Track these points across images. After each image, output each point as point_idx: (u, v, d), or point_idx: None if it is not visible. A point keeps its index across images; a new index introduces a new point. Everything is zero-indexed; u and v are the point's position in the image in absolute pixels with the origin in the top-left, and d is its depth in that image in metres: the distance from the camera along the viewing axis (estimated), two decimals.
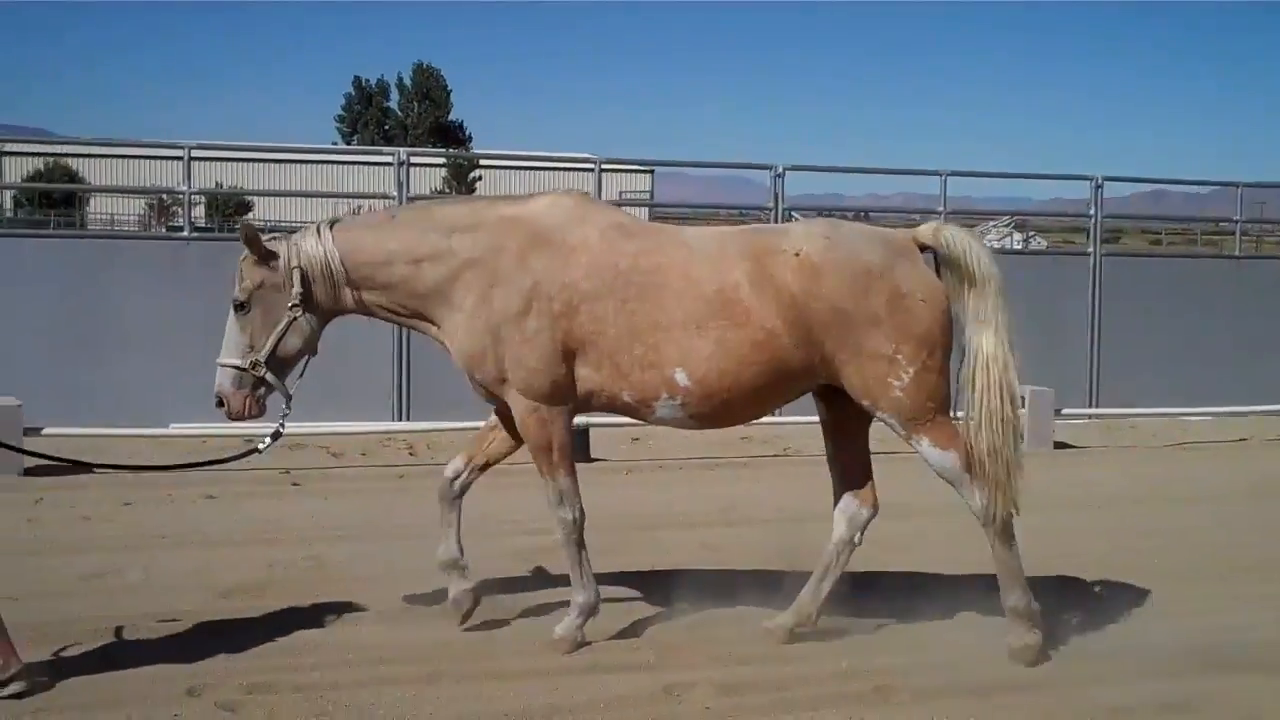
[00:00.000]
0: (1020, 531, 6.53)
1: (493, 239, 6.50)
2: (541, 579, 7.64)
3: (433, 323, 6.66)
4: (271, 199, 52.17)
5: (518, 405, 6.53)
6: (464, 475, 6.96)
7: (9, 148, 59.45)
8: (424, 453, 12.76)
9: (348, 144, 74.43)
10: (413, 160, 13.34)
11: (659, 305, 6.39)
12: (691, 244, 6.60)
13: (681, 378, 6.39)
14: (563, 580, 6.91)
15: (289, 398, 6.61)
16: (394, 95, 79.99)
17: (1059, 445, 14.32)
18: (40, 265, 13.14)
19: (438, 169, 57.13)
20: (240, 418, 6.54)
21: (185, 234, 13.71)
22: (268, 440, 6.73)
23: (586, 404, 6.64)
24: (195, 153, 13.25)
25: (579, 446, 12.32)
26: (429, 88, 79.21)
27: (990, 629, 6.74)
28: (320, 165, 51.11)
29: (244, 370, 6.46)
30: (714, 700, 5.93)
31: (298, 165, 51.90)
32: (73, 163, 55.86)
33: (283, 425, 6.71)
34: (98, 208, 53.35)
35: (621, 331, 6.40)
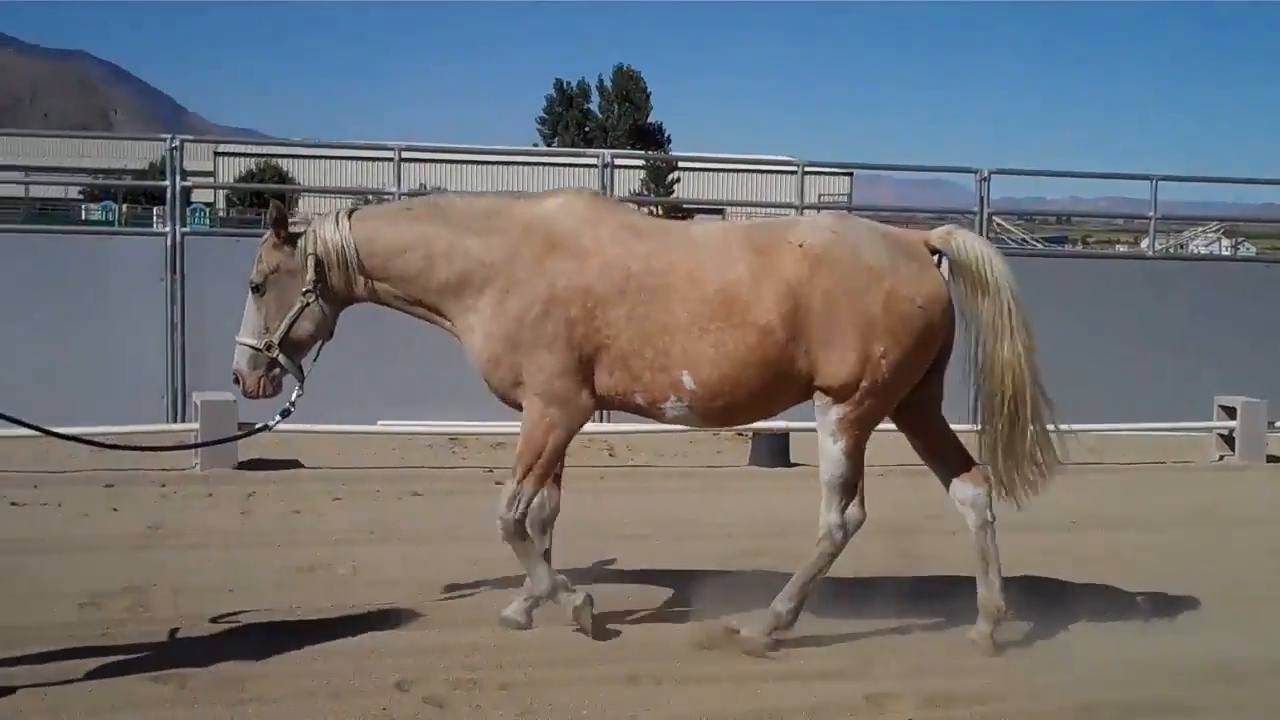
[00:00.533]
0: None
1: (507, 242, 6.54)
2: (740, 583, 7.60)
3: (445, 318, 6.75)
4: None
5: (532, 409, 6.56)
6: (549, 495, 6.94)
7: (224, 148, 61.78)
8: (623, 454, 12.84)
9: (548, 145, 75.42)
10: (616, 162, 13.36)
11: (666, 308, 6.43)
12: (700, 242, 6.63)
13: (687, 380, 6.45)
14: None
15: (302, 379, 6.76)
16: (594, 97, 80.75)
17: (1272, 459, 13.80)
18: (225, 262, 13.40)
19: (636, 170, 57.51)
20: (254, 395, 6.70)
21: None
22: (277, 418, 6.83)
23: (601, 406, 6.73)
24: (405, 154, 13.47)
25: (775, 452, 12.30)
26: (629, 90, 79.74)
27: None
28: (523, 167, 51.88)
29: (259, 350, 6.62)
30: (917, 712, 5.84)
31: (500, 167, 52.79)
32: (283, 163, 57.62)
33: (293, 405, 6.80)
34: (308, 207, 54.92)
35: (633, 335, 6.45)
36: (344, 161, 57.11)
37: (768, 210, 52.35)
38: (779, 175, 58.91)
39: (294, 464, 11.24)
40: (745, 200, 58.65)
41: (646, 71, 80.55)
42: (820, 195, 42.85)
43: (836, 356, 6.36)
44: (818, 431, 6.60)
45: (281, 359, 6.63)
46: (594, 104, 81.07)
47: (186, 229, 13.29)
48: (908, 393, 6.59)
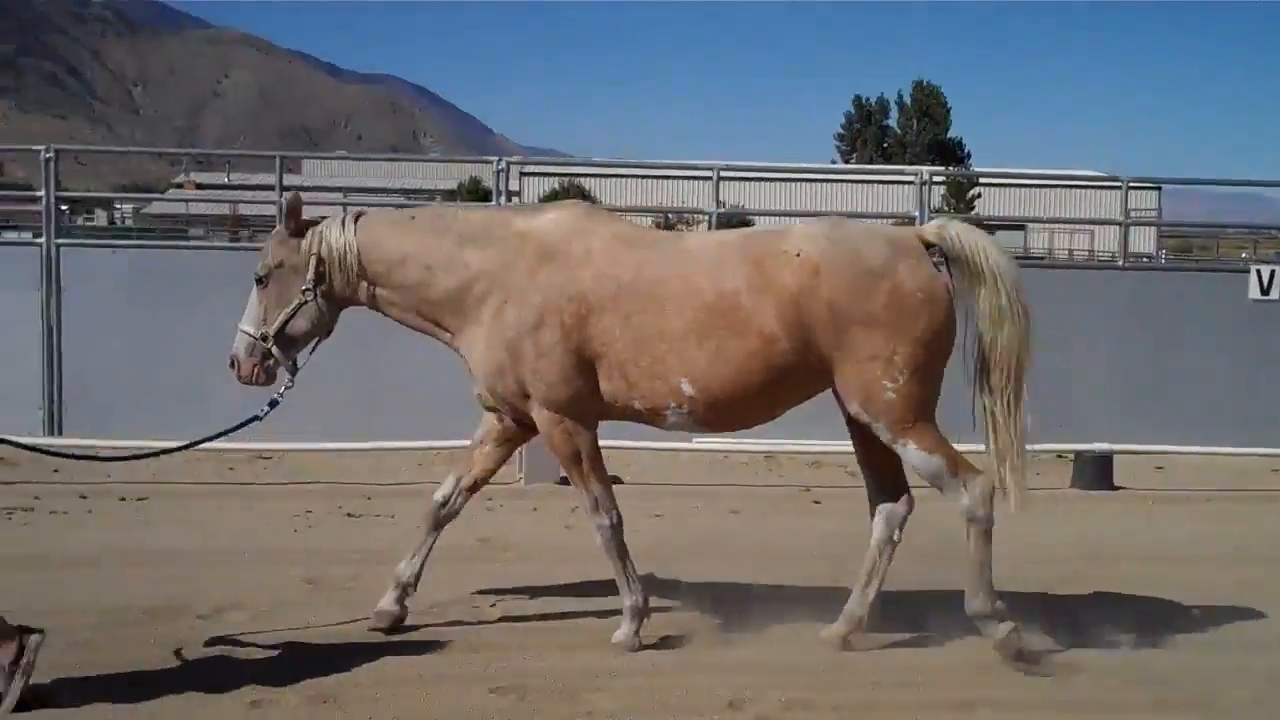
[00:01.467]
0: None
1: (503, 254, 6.64)
2: (1062, 608, 7.33)
3: (445, 330, 6.83)
4: (777, 219, 53.29)
5: (541, 419, 6.66)
6: (453, 500, 7.13)
7: (529, 168, 63.42)
8: None
9: (845, 162, 75.12)
10: (934, 180, 13.16)
11: (662, 315, 6.47)
12: (693, 252, 6.67)
13: (686, 387, 6.48)
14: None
15: (294, 372, 6.85)
16: (893, 113, 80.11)
17: None
18: None
19: (937, 186, 56.72)
20: (248, 382, 6.84)
21: None
22: (266, 409, 6.87)
23: (606, 413, 6.74)
24: (722, 174, 13.55)
25: (1098, 475, 11.90)
26: (928, 105, 78.87)
27: None
28: (839, 185, 51.73)
29: (255, 339, 6.78)
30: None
31: (817, 185, 52.76)
32: (586, 182, 58.91)
33: (281, 396, 6.87)
34: None
35: (628, 343, 6.49)
36: (646, 180, 58.00)
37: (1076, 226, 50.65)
38: (1088, 190, 57.25)
39: (615, 480, 11.41)
40: (1054, 217, 57.23)
41: (947, 86, 79.54)
42: (1129, 210, 41.39)
43: (852, 364, 6.40)
44: (889, 446, 6.55)
45: (275, 351, 6.78)
46: (892, 120, 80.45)
47: None
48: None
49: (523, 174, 59.45)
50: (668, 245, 6.83)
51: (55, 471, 11.01)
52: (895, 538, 6.82)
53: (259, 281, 6.80)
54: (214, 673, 6.17)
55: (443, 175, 70.60)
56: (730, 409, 6.56)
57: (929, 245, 6.61)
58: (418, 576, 7.07)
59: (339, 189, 49.10)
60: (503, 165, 13.63)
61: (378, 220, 6.93)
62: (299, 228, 6.80)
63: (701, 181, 19.44)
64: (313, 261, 6.74)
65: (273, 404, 6.88)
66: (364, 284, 6.79)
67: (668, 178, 55.93)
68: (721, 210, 14.01)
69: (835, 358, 6.41)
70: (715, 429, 6.92)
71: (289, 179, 18.64)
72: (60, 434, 12.20)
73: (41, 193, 12.80)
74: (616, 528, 6.79)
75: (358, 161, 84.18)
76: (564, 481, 11.23)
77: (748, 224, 13.90)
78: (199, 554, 8.48)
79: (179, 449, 7.18)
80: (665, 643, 6.77)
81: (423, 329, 6.94)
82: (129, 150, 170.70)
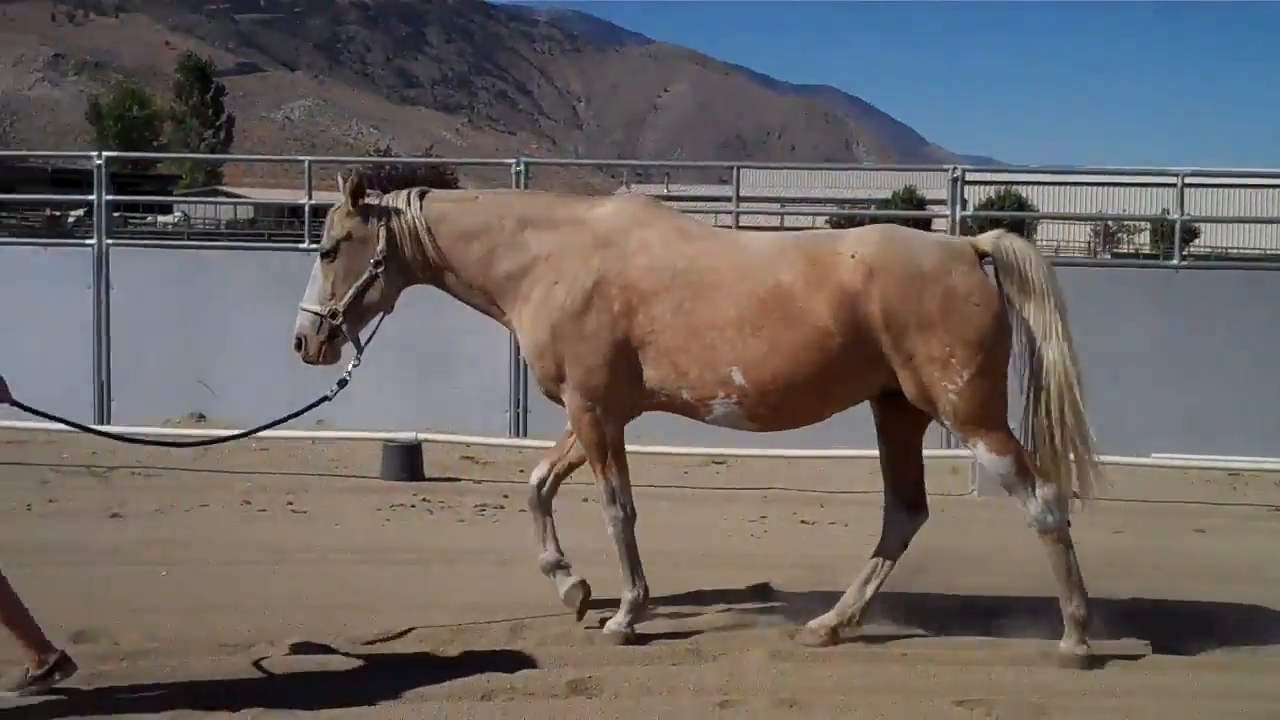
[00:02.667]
0: None
1: (561, 238, 6.73)
2: None
3: (502, 310, 6.88)
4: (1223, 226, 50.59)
5: (573, 403, 6.71)
6: (549, 482, 7.16)
7: (970, 176, 62.42)
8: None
9: None
10: None
11: (715, 305, 6.50)
12: (749, 247, 6.73)
13: (737, 377, 6.49)
14: None
15: (361, 349, 6.84)
16: None
17: None
18: None
19: None
20: (314, 361, 6.82)
21: (1174, 262, 13.50)
22: (335, 388, 6.87)
23: (645, 403, 6.77)
24: (1188, 180, 13.02)
25: None
26: None
27: None
28: None
29: (323, 317, 6.74)
30: None
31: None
32: (1026, 190, 57.47)
33: (349, 374, 6.86)
34: (1046, 234, 54.47)
35: (679, 331, 6.53)
36: (1094, 189, 56.19)
37: None
38: None
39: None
40: None
41: None
42: None
43: (911, 368, 6.44)
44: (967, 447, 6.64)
45: (344, 327, 6.77)
46: None
47: None
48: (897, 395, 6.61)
49: (965, 182, 58.58)
50: (724, 239, 6.98)
51: (521, 471, 11.67)
52: (901, 550, 6.95)
53: (325, 256, 6.82)
54: (672, 675, 6.36)
55: (877, 185, 70.46)
56: (780, 402, 6.58)
57: (983, 255, 6.67)
58: (560, 551, 7.18)
59: (775, 199, 49.80)
60: (958, 173, 13.53)
61: (442, 198, 7.00)
62: (362, 206, 6.83)
63: (1156, 189, 18.58)
64: (383, 232, 6.79)
65: (342, 383, 6.94)
66: (428, 259, 6.85)
67: (1118, 185, 53.92)
68: (1185, 218, 13.40)
69: (894, 360, 6.47)
70: (760, 424, 6.83)
71: (724, 189, 19.03)
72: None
73: None
74: (629, 520, 6.84)
75: (793, 171, 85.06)
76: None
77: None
78: (659, 554, 8.76)
79: (243, 435, 7.66)
80: (1136, 664, 6.59)
81: (483, 309, 7.03)
82: (573, 163, 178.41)
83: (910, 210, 55.99)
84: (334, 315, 6.78)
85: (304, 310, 6.83)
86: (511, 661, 6.41)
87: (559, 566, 7.16)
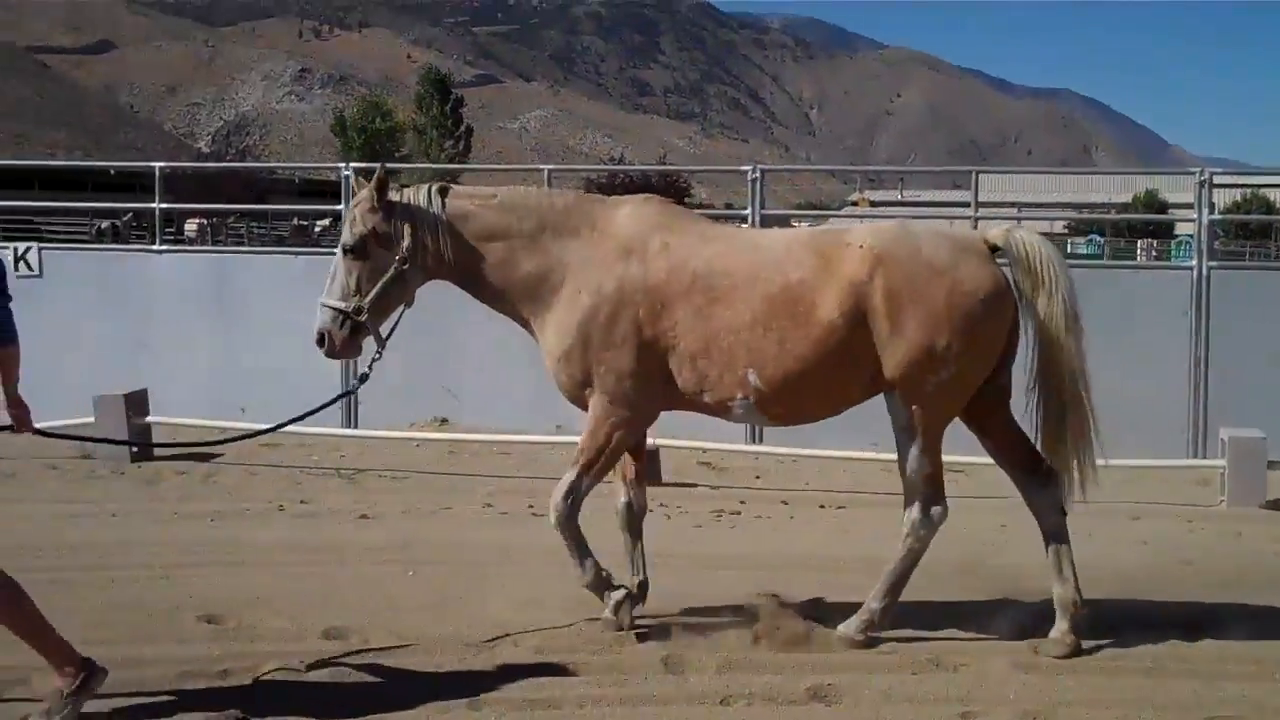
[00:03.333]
0: None
1: (582, 244, 6.73)
2: None
3: (520, 312, 6.89)
4: None
5: (597, 407, 6.68)
6: (636, 498, 7.12)
7: (1218, 180, 60.34)
8: None
9: None
10: None
11: (731, 307, 6.53)
12: (763, 245, 6.77)
13: (753, 378, 6.52)
14: None
15: (383, 344, 6.87)
16: None
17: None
18: (1251, 296, 12.94)
19: None
20: (336, 356, 6.85)
21: None
22: (357, 383, 7.08)
23: (669, 406, 6.81)
24: None
25: None
26: None
27: None
28: None
29: (346, 314, 6.69)
30: None
31: None
32: (1270, 194, 55.27)
33: (371, 369, 6.94)
34: None
35: (700, 334, 6.55)
36: None
37: None
38: None
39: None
40: None
41: None
42: None
43: (903, 353, 6.43)
44: (893, 430, 6.62)
45: (369, 322, 6.74)
46: None
47: (1214, 264, 12.99)
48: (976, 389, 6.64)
49: (1212, 185, 56.55)
50: (739, 239, 6.99)
51: (757, 478, 11.66)
52: (1065, 509, 6.83)
53: (349, 252, 6.76)
54: (911, 684, 6.27)
55: (1118, 189, 68.56)
56: (792, 399, 6.63)
57: (994, 249, 6.67)
58: (642, 585, 7.14)
59: (1013, 204, 48.81)
60: (1205, 176, 13.06)
61: (464, 196, 6.96)
62: (386, 202, 6.78)
63: None
64: (408, 229, 6.76)
65: (363, 378, 7.05)
66: (452, 257, 6.83)
67: None
68: None
69: (887, 345, 6.46)
70: (779, 421, 6.94)
71: (958, 195, 18.66)
72: None
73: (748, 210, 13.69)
74: (569, 518, 6.79)
75: (1032, 176, 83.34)
76: (1273, 505, 10.60)
77: None
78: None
79: (264, 432, 7.93)
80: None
81: (505, 312, 7.00)
82: (807, 169, 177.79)
83: (1151, 214, 54.45)
84: (358, 311, 6.76)
85: (326, 306, 6.80)
86: (751, 666, 6.39)
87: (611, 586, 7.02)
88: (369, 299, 6.75)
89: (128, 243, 34.95)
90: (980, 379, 6.64)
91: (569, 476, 6.81)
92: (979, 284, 6.49)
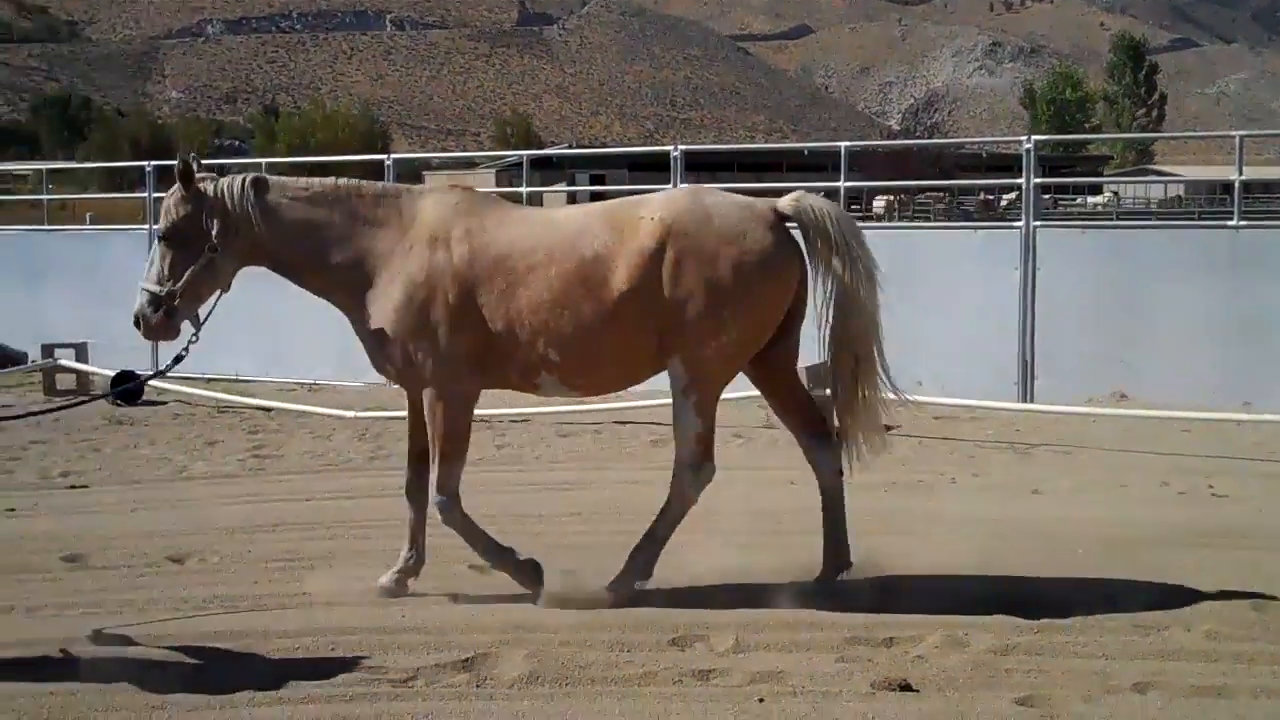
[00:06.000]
0: None
1: (390, 234, 6.96)
2: None
3: (335, 300, 7.15)
4: None
5: (427, 397, 6.94)
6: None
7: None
8: None
9: None
10: None
11: (530, 287, 6.75)
12: (560, 224, 6.98)
13: (553, 354, 6.79)
14: None
15: (198, 327, 7.09)
16: None
17: None
18: None
19: None
20: (153, 338, 7.27)
21: None
22: (171, 363, 7.34)
23: (485, 385, 7.09)
24: None
25: None
26: None
27: None
28: None
29: (160, 298, 6.90)
30: None
31: None
32: None
33: (186, 351, 7.15)
34: None
35: (503, 316, 6.79)
36: None
37: None
38: None
39: None
40: None
41: None
42: None
43: (688, 320, 6.68)
44: (671, 390, 6.89)
45: (180, 306, 6.92)
46: None
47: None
48: (761, 353, 6.94)
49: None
50: (538, 220, 7.20)
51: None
52: (840, 470, 7.19)
53: (162, 239, 7.02)
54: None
55: None
56: (593, 372, 6.96)
57: (785, 217, 6.88)
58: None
59: None
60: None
61: (277, 187, 7.11)
62: (197, 191, 6.94)
63: None
64: (216, 220, 6.93)
65: (177, 359, 7.27)
66: (261, 245, 7.02)
67: None
68: None
69: (674, 312, 6.68)
70: (583, 392, 7.45)
71: None
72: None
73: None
74: (456, 503, 6.97)
75: None
76: None
77: None
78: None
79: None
80: None
81: (320, 295, 7.22)
82: None
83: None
84: (171, 296, 6.95)
85: (143, 289, 6.99)
86: None
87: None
88: (180, 284, 6.96)
89: None
90: (759, 343, 6.91)
91: (435, 474, 7.02)
92: (764, 250, 6.73)
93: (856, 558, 7.22)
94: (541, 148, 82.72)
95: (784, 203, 6.99)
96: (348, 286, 7.05)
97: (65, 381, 15.77)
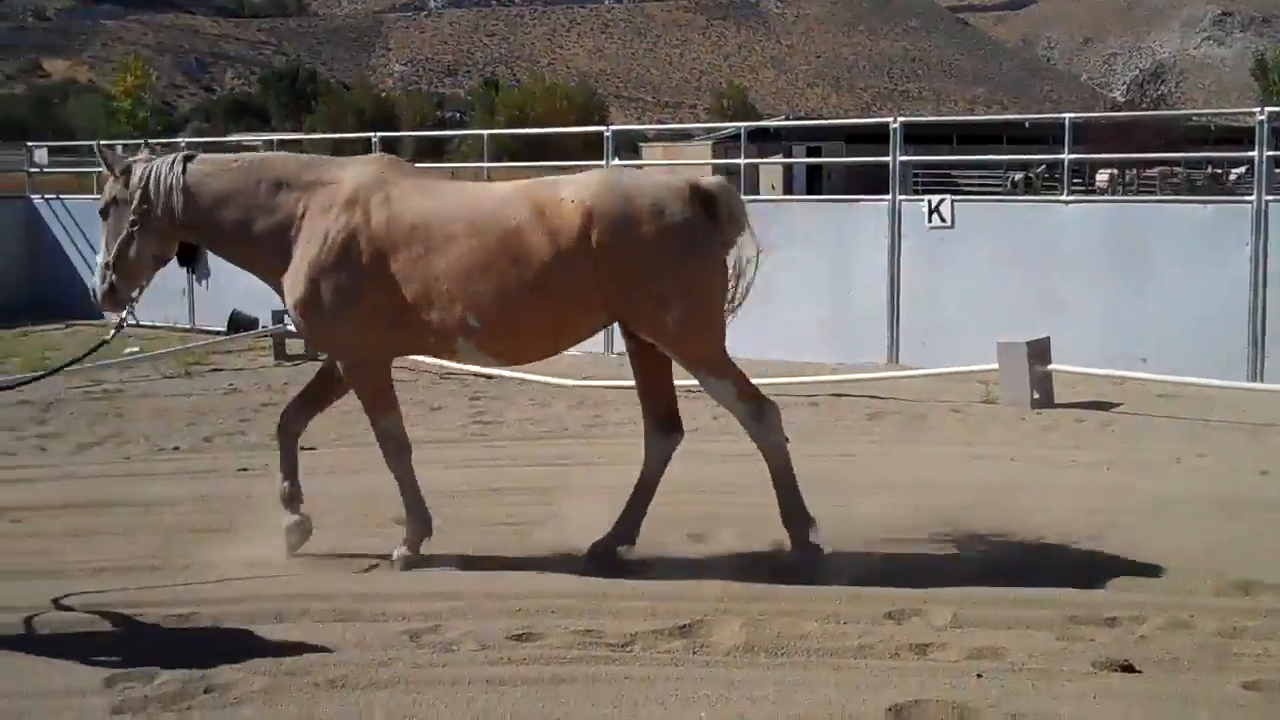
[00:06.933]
0: None
1: (312, 198, 7.12)
2: None
3: (262, 270, 7.35)
4: None
5: (341, 356, 7.29)
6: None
7: None
8: None
9: None
10: None
11: (448, 256, 6.92)
12: (480, 197, 7.24)
13: (472, 320, 6.96)
14: None
15: (134, 299, 7.48)
16: None
17: None
18: None
19: None
20: (102, 309, 7.62)
21: None
22: (113, 331, 7.73)
23: (400, 349, 7.51)
24: None
25: None
26: None
27: None
28: None
29: (103, 269, 7.32)
30: None
31: None
32: None
33: (124, 322, 7.60)
34: None
35: (420, 281, 6.95)
36: None
37: None
38: None
39: None
40: None
41: None
42: None
43: (633, 302, 6.92)
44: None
45: (114, 279, 7.31)
46: None
47: None
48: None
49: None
50: (459, 192, 7.38)
51: None
52: (667, 460, 7.37)
53: (101, 215, 7.44)
54: None
55: None
56: (511, 339, 7.12)
57: (701, 192, 6.98)
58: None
59: None
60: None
61: (204, 163, 7.38)
62: (119, 171, 7.35)
63: None
64: (138, 195, 7.24)
65: (119, 327, 7.70)
66: (186, 219, 7.27)
67: None
68: None
69: (612, 294, 6.88)
70: (500, 360, 7.72)
71: None
72: None
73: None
74: (405, 451, 7.38)
75: None
76: None
77: None
78: None
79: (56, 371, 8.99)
80: None
81: (246, 268, 7.46)
82: None
83: None
84: (106, 267, 7.37)
85: (97, 263, 7.49)
86: None
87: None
88: (110, 258, 7.34)
89: (1038, 194, 35.56)
90: (717, 305, 7.11)
91: (375, 429, 7.42)
92: (685, 223, 6.87)
93: (1079, 533, 7.12)
94: (758, 120, 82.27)
95: (705, 181, 7.24)
96: (272, 252, 7.21)
97: (295, 346, 16.27)
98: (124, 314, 7.54)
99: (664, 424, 7.41)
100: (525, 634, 6.11)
